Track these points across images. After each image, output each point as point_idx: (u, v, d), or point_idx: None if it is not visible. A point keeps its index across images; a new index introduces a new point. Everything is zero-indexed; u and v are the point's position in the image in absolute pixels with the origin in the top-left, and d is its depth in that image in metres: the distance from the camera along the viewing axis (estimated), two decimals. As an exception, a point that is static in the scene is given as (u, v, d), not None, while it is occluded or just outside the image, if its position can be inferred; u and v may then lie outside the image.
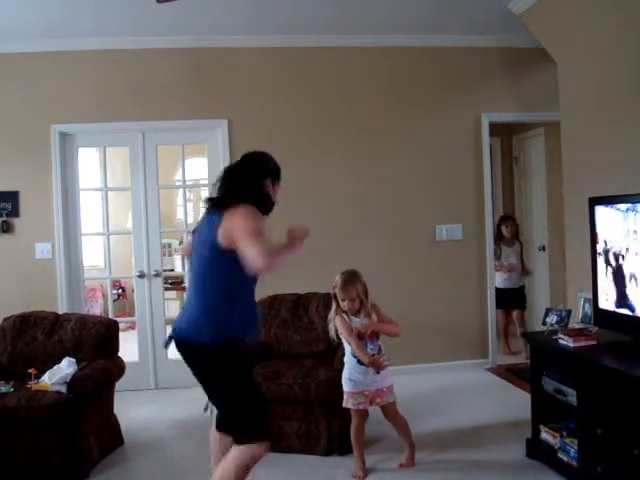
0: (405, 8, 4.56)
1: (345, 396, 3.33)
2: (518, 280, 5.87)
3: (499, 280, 5.72)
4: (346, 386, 3.33)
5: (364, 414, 3.38)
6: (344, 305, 3.31)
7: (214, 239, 2.42)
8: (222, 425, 2.64)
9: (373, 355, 3.27)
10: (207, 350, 2.42)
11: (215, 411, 2.67)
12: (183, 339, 2.50)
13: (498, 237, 5.79)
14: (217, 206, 2.51)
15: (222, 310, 2.45)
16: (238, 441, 2.45)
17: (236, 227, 2.37)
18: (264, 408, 2.55)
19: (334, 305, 3.37)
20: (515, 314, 5.83)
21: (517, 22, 4.57)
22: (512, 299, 5.79)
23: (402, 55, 5.20)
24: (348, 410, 3.35)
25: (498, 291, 5.60)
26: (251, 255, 2.26)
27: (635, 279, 2.90)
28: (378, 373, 3.27)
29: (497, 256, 5.71)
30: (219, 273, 2.46)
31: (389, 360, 3.35)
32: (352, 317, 3.32)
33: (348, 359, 3.34)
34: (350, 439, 3.36)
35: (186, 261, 2.77)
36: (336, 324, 3.32)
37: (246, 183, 2.56)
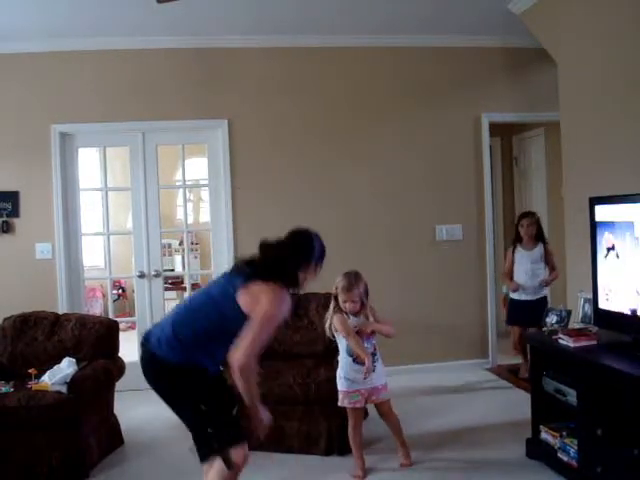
0: (405, 8, 4.55)
1: (340, 395, 3.33)
2: (536, 290, 4.82)
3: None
4: (341, 385, 3.33)
5: (361, 413, 3.38)
6: (345, 306, 3.31)
7: (235, 294, 2.44)
8: (201, 453, 2.57)
9: (371, 353, 3.28)
10: (174, 367, 2.44)
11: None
12: (153, 353, 2.49)
13: (516, 239, 4.96)
14: (252, 272, 2.50)
15: (199, 344, 2.47)
16: (216, 453, 2.45)
17: (258, 308, 2.39)
18: (231, 413, 2.50)
19: (333, 304, 3.37)
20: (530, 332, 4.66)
21: (517, 22, 4.57)
22: (529, 314, 4.63)
23: (402, 55, 5.20)
24: (345, 410, 3.36)
25: (512, 303, 4.95)
26: (242, 345, 2.33)
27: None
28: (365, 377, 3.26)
29: (511, 262, 4.92)
30: (220, 317, 2.47)
31: (381, 358, 3.37)
32: (351, 316, 3.32)
33: (343, 357, 3.34)
34: (349, 439, 3.36)
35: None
36: (334, 323, 3.32)
37: (286, 265, 2.55)
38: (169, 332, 2.48)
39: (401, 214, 5.22)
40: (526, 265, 4.82)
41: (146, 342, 2.53)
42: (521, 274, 4.84)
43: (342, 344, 3.35)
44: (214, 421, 2.45)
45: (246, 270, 2.52)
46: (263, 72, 5.08)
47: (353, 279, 3.34)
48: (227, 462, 2.40)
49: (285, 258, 2.55)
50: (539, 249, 4.84)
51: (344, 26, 4.90)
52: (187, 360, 2.45)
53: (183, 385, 2.47)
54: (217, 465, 2.45)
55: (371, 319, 3.34)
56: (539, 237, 4.88)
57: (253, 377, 2.42)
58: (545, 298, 4.84)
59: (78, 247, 5.08)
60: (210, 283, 2.71)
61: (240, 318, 2.41)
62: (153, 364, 2.50)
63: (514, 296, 4.90)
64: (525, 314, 4.75)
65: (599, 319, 3.23)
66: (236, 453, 2.41)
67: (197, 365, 2.47)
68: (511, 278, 4.90)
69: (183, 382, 2.46)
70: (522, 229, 4.87)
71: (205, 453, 2.52)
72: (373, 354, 3.31)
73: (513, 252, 4.92)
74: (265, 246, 2.60)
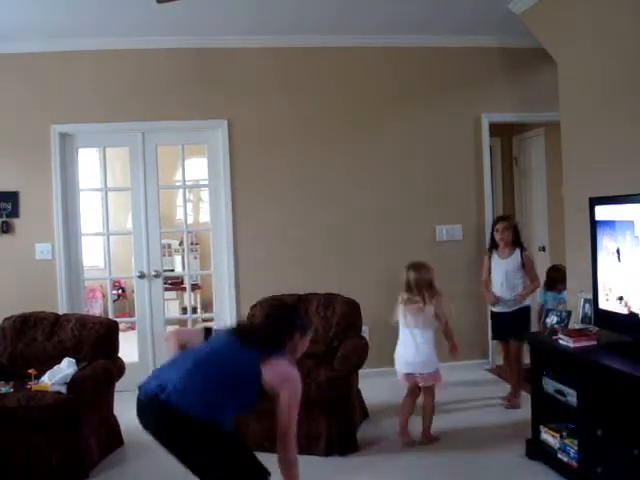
0: (405, 9, 4.55)
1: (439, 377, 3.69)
2: (513, 300, 4.33)
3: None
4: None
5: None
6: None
7: (257, 375, 2.45)
8: None
9: None
10: (195, 422, 2.33)
11: None
12: (168, 403, 2.36)
13: (491, 245, 4.51)
14: (254, 345, 2.52)
15: (222, 406, 2.42)
16: None
17: (283, 399, 2.48)
18: (248, 456, 2.53)
19: (412, 297, 3.68)
20: (512, 346, 4.35)
21: (517, 22, 4.56)
22: (508, 326, 4.32)
23: (402, 55, 5.20)
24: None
25: (492, 316, 4.57)
26: (287, 434, 2.56)
27: None
28: None
29: (488, 269, 4.48)
30: (244, 387, 2.49)
31: None
32: None
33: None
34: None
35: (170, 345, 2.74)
36: (439, 308, 3.65)
37: (283, 333, 2.60)
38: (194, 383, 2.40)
39: (401, 214, 5.22)
40: (501, 275, 4.33)
41: (161, 392, 2.37)
42: (496, 285, 4.37)
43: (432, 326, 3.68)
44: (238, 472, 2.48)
45: (257, 342, 2.53)
46: (263, 72, 5.08)
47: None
48: None
49: (279, 326, 2.62)
50: (516, 257, 4.32)
51: (344, 26, 4.90)
52: (209, 417, 2.35)
53: (203, 444, 2.38)
54: None
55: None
56: (516, 243, 4.38)
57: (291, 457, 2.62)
58: (527, 308, 4.35)
59: (78, 247, 5.08)
60: (213, 343, 2.65)
61: (254, 386, 2.46)
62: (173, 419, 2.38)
63: (493, 308, 4.47)
64: (505, 327, 4.35)
65: (599, 319, 3.23)
66: None
67: (218, 427, 2.39)
68: (489, 288, 4.44)
69: (203, 441, 2.37)
70: (497, 234, 4.40)
71: None
72: None
73: (490, 259, 4.47)
74: (267, 321, 2.73)
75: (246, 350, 2.49)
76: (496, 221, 4.56)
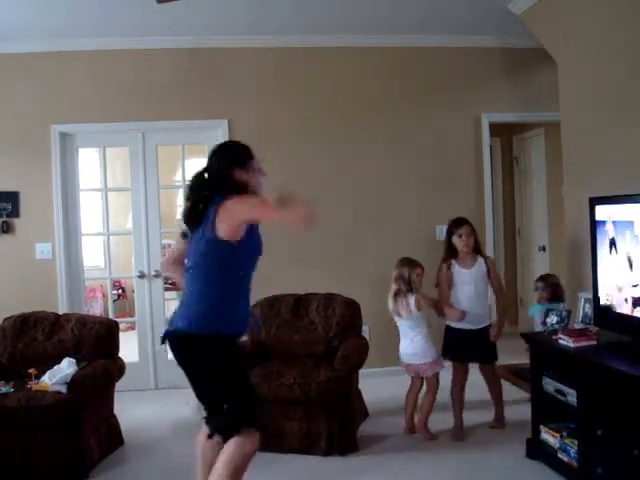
0: (405, 8, 4.55)
1: (437, 366, 3.80)
2: (482, 318, 3.80)
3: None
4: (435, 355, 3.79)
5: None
6: (419, 281, 3.81)
7: (211, 233, 2.44)
8: (211, 427, 2.55)
9: None
10: (195, 340, 2.41)
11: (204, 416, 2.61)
12: (174, 333, 2.48)
13: (449, 253, 3.88)
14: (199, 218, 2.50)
15: (216, 300, 2.46)
16: (226, 434, 2.43)
17: (242, 211, 2.44)
18: (252, 398, 2.49)
19: (402, 287, 3.77)
20: (485, 370, 3.89)
21: (517, 22, 4.56)
22: (473, 346, 3.78)
23: (402, 55, 5.20)
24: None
25: (448, 332, 3.88)
26: (287, 217, 2.41)
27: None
28: None
29: (447, 284, 3.85)
30: (216, 265, 2.48)
31: None
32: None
33: (426, 331, 3.79)
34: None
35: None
36: (421, 300, 3.75)
37: (215, 181, 2.55)
38: (189, 303, 2.49)
39: (401, 214, 5.22)
40: (469, 286, 3.78)
41: (170, 328, 2.51)
42: (463, 299, 3.78)
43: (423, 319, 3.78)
44: (233, 396, 2.43)
45: (197, 211, 2.51)
46: (263, 72, 5.08)
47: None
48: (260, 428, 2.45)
49: (214, 176, 2.56)
50: (480, 264, 3.81)
51: (344, 26, 4.90)
52: (209, 328, 2.42)
53: (205, 357, 2.43)
54: (223, 455, 2.40)
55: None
56: (476, 250, 3.86)
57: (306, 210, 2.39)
58: (489, 327, 3.82)
59: (78, 247, 5.08)
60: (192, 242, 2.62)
61: (231, 257, 2.44)
62: (176, 343, 2.49)
63: (452, 324, 3.86)
64: (469, 347, 3.79)
65: (599, 319, 3.23)
66: (249, 441, 2.40)
67: (219, 334, 2.43)
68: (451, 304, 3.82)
69: (205, 354, 2.43)
70: (460, 240, 3.79)
71: (216, 426, 2.50)
72: None
73: (449, 270, 3.84)
74: (192, 183, 2.63)
75: (200, 228, 2.48)
76: (457, 225, 3.85)
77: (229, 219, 2.43)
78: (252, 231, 2.52)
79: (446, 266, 3.86)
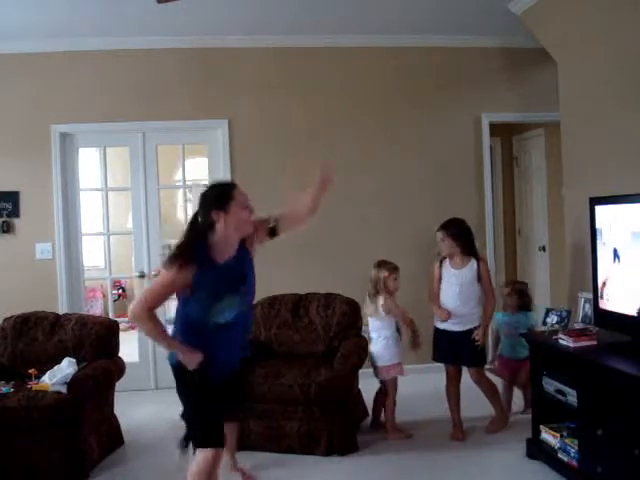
0: (405, 8, 4.55)
1: (393, 370, 3.84)
2: (468, 318, 3.72)
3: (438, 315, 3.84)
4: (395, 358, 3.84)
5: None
6: (394, 285, 3.89)
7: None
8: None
9: None
10: (174, 368, 2.63)
11: None
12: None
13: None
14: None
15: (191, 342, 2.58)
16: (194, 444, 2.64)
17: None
18: (211, 421, 2.62)
19: (374, 289, 3.87)
20: (472, 372, 3.80)
21: (517, 22, 4.57)
22: (458, 348, 3.74)
23: (402, 55, 5.20)
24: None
25: (436, 333, 3.86)
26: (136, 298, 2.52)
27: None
28: None
29: (438, 280, 3.84)
30: (184, 318, 2.61)
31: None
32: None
33: (393, 335, 3.87)
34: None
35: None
36: (389, 305, 3.82)
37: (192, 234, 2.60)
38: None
39: (401, 214, 5.22)
40: (455, 287, 3.74)
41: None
42: (449, 298, 3.76)
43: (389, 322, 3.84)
44: (192, 420, 2.63)
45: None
46: (263, 72, 5.08)
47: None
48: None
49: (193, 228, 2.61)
50: (472, 266, 3.74)
51: (344, 26, 4.90)
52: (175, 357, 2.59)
53: (179, 385, 2.67)
54: (195, 462, 2.58)
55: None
56: (470, 252, 3.79)
57: (145, 324, 2.48)
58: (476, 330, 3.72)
59: (78, 247, 5.08)
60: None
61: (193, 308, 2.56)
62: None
63: (438, 324, 3.84)
64: (454, 349, 3.75)
65: (599, 319, 3.23)
66: (211, 453, 2.55)
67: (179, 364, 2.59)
68: (439, 303, 3.81)
69: (179, 382, 2.66)
70: (440, 244, 3.82)
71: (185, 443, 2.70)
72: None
73: (440, 267, 3.84)
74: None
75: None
76: (438, 229, 3.89)
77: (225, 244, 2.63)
78: (211, 275, 2.52)
79: (439, 264, 3.86)
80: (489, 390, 3.87)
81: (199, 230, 2.56)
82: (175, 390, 2.67)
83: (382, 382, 3.88)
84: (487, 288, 3.78)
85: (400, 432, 3.81)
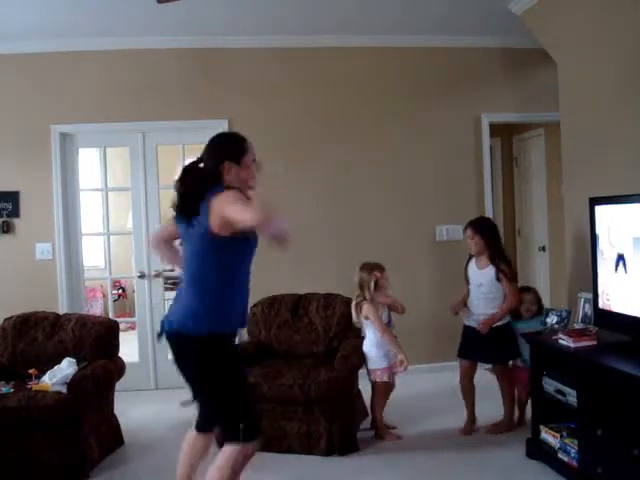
0: (405, 9, 4.56)
1: (384, 372, 3.75)
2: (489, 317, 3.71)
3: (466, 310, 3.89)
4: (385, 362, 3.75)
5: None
6: (384, 284, 3.88)
7: (205, 229, 2.37)
8: (204, 424, 2.59)
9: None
10: (194, 341, 2.35)
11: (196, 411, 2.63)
12: (171, 332, 2.43)
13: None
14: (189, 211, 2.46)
15: (213, 300, 2.39)
16: (226, 441, 2.42)
17: (221, 204, 2.31)
18: (253, 407, 2.49)
19: (362, 295, 3.79)
20: (495, 371, 3.82)
21: (517, 22, 4.57)
22: (480, 347, 3.74)
23: (402, 55, 5.20)
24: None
25: (464, 330, 3.89)
26: (240, 213, 2.21)
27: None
28: None
29: (466, 280, 3.89)
30: (210, 261, 2.39)
31: None
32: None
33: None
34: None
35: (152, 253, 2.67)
36: (368, 312, 3.74)
37: (208, 174, 2.48)
38: (185, 301, 2.41)
39: (402, 214, 5.22)
40: (477, 286, 3.77)
41: (167, 325, 2.45)
42: (474, 297, 3.81)
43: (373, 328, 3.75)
44: (236, 410, 2.39)
45: (188, 204, 2.45)
46: (263, 72, 5.08)
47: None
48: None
49: (203, 172, 2.49)
50: (491, 270, 3.73)
51: (344, 26, 4.90)
52: (207, 328, 2.34)
53: (205, 362, 2.38)
54: (222, 457, 2.40)
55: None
56: (492, 256, 3.75)
57: (269, 215, 2.16)
58: (508, 326, 3.74)
59: (78, 247, 5.08)
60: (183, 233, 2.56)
61: (228, 254, 2.35)
62: (174, 343, 2.45)
63: (464, 322, 3.89)
64: (475, 346, 3.76)
65: (599, 319, 3.23)
66: (248, 448, 2.39)
67: (218, 334, 2.37)
68: (462, 299, 3.88)
69: (205, 357, 2.37)
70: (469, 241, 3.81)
71: (207, 425, 2.53)
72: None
73: (466, 267, 3.87)
74: (185, 173, 2.60)
75: (192, 222, 2.39)
76: (466, 226, 3.91)
77: (219, 214, 2.34)
78: None
79: (467, 262, 3.90)
80: (508, 391, 3.82)
81: (212, 178, 2.40)
82: (194, 378, 2.45)
83: (372, 383, 3.84)
84: (508, 288, 3.70)
85: (390, 433, 3.78)
